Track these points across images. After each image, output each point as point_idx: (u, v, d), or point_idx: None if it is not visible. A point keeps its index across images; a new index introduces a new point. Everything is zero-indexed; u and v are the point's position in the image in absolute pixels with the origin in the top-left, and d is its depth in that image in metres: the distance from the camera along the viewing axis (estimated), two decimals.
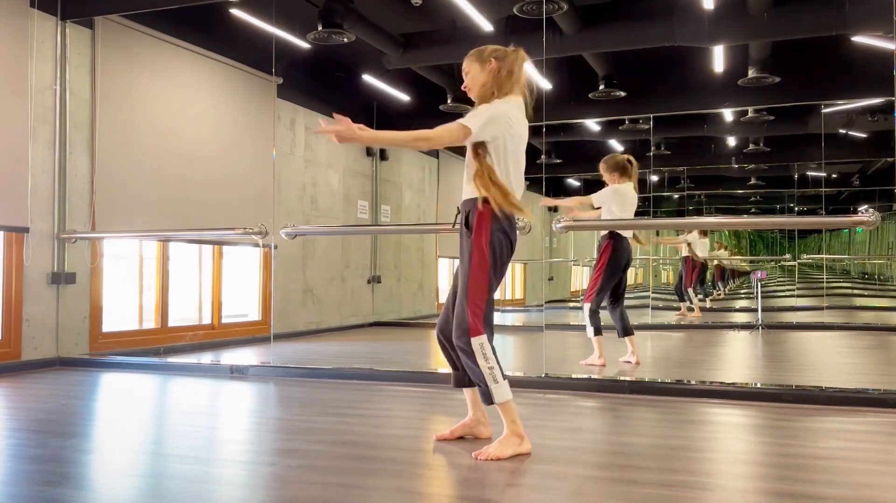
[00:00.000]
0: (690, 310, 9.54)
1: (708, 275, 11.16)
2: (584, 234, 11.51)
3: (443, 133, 2.69)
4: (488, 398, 2.72)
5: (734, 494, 2.31)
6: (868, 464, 2.68)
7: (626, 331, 5.37)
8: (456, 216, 2.87)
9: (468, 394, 3.01)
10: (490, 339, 2.73)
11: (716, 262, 11.53)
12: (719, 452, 2.91)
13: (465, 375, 2.90)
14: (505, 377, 2.73)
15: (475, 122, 2.70)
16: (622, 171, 5.31)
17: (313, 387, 4.40)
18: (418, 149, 2.77)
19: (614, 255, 5.28)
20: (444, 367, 5.54)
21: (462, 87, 2.93)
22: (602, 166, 5.38)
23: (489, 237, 2.72)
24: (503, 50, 2.87)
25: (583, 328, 5.42)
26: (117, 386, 4.67)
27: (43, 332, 5.35)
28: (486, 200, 2.73)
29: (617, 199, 5.29)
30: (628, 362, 5.35)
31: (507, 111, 2.78)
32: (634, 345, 5.39)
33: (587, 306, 5.30)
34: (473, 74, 2.87)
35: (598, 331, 5.26)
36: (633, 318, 5.63)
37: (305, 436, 3.07)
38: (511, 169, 2.79)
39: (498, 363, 2.72)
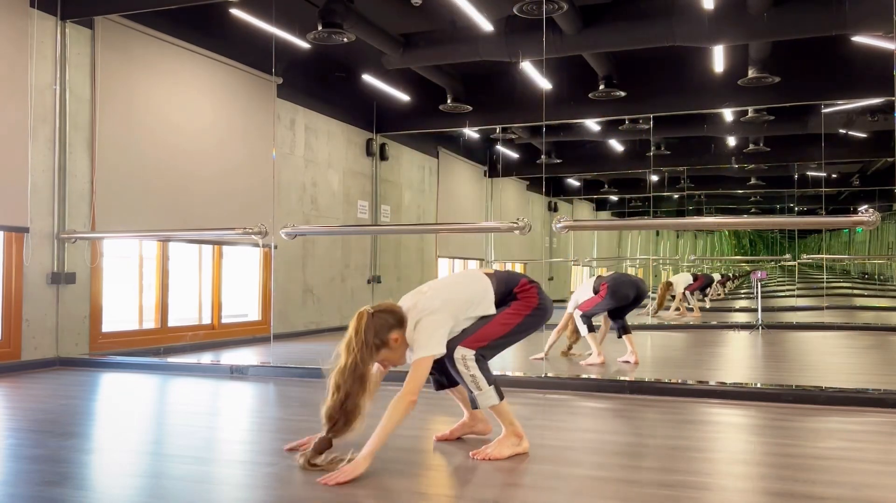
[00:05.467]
0: (689, 310, 9.55)
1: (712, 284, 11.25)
2: (585, 234, 11.53)
3: (417, 379, 2.59)
4: (473, 403, 2.74)
5: (734, 494, 2.31)
6: (868, 464, 2.68)
7: (624, 330, 5.50)
8: None
9: (455, 395, 3.01)
10: (478, 356, 2.70)
11: (718, 276, 11.62)
12: (719, 452, 2.91)
13: (442, 377, 2.91)
14: (493, 383, 2.70)
15: (429, 344, 2.62)
16: None
17: (313, 387, 4.39)
18: (412, 407, 2.64)
19: (613, 290, 5.47)
20: None
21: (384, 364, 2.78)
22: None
23: (532, 310, 2.83)
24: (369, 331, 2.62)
25: (597, 328, 5.56)
26: (117, 386, 4.67)
27: (43, 332, 5.35)
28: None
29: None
30: (627, 362, 5.37)
31: (440, 313, 2.68)
32: (633, 345, 5.43)
33: (579, 312, 5.48)
34: (390, 359, 2.71)
35: (591, 329, 5.44)
36: (634, 319, 5.68)
37: (305, 437, 3.06)
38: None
39: (483, 372, 2.69)
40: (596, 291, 5.49)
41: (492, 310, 2.80)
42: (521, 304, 2.82)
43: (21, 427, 3.33)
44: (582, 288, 5.70)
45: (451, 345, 2.69)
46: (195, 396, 4.36)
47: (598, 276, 5.64)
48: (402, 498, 2.25)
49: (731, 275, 12.33)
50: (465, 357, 2.69)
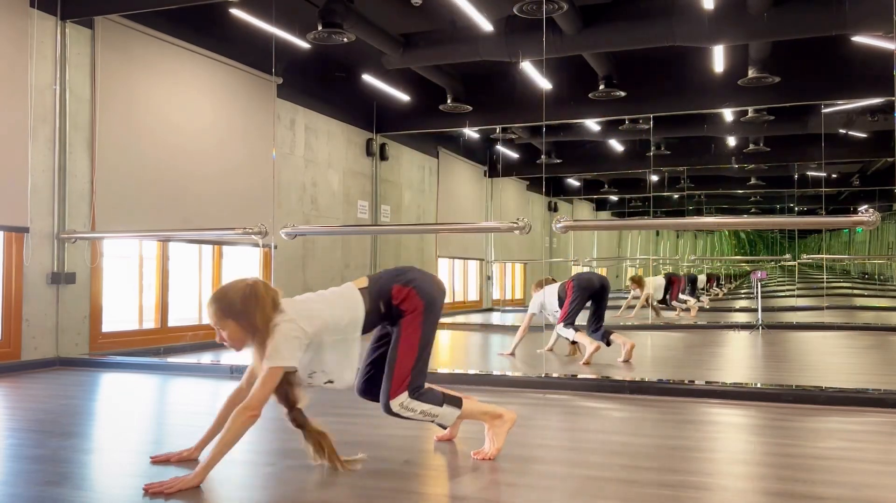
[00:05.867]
0: (686, 310, 9.56)
1: (699, 282, 11.24)
2: (584, 234, 11.53)
3: (265, 392, 2.38)
4: (442, 426, 2.72)
5: (734, 494, 2.30)
6: (868, 464, 2.68)
7: (607, 334, 5.61)
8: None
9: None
10: (411, 392, 2.57)
11: (703, 274, 11.62)
12: (719, 452, 2.91)
13: (364, 384, 2.80)
14: (442, 401, 2.61)
15: (281, 354, 2.38)
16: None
17: (313, 386, 4.39)
18: (253, 422, 2.43)
19: (577, 283, 5.70)
20: (443, 367, 5.54)
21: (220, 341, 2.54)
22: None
23: (423, 314, 2.61)
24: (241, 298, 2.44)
25: (581, 327, 5.61)
26: (117, 386, 4.67)
27: (43, 332, 5.35)
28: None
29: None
30: (626, 361, 5.39)
31: (295, 324, 2.43)
32: (621, 338, 5.55)
33: (560, 325, 5.62)
34: (231, 332, 2.47)
35: (575, 331, 5.55)
36: (634, 319, 5.72)
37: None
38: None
39: (427, 401, 2.59)
40: (564, 295, 5.67)
41: (357, 332, 2.54)
42: (410, 317, 2.59)
43: (21, 427, 3.33)
44: (546, 293, 5.85)
45: (383, 401, 2.57)
46: (195, 396, 4.36)
47: (561, 284, 5.83)
48: (403, 498, 2.25)
49: (719, 275, 12.24)
50: (403, 404, 2.55)
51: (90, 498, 2.29)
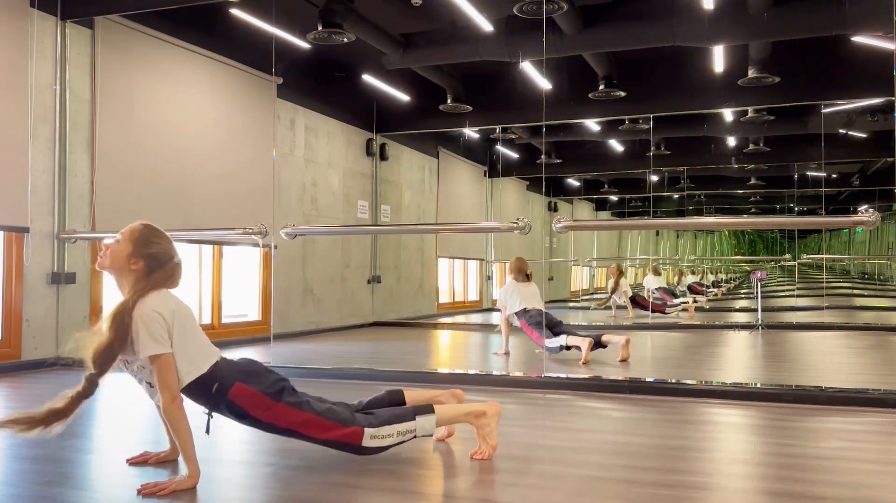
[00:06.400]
0: (684, 310, 9.56)
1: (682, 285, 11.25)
2: (585, 234, 11.53)
3: (168, 379, 2.32)
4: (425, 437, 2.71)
5: (734, 494, 2.30)
6: (868, 464, 2.68)
7: (598, 337, 5.54)
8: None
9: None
10: (368, 427, 2.50)
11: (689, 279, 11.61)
12: (719, 452, 2.91)
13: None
14: (413, 415, 2.57)
15: (151, 339, 2.31)
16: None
17: (313, 387, 4.38)
18: (182, 406, 2.36)
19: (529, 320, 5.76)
20: (444, 367, 5.54)
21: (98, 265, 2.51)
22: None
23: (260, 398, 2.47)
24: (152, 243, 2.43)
25: (581, 328, 5.55)
26: (117, 386, 4.67)
27: (43, 332, 5.35)
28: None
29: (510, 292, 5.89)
30: (624, 360, 5.39)
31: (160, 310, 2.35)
32: (614, 337, 5.54)
33: (544, 346, 5.60)
34: (117, 252, 2.43)
35: (566, 347, 5.50)
36: (632, 318, 5.70)
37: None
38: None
39: (397, 421, 2.54)
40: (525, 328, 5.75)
41: (202, 369, 2.41)
42: (253, 410, 2.43)
43: None
44: (512, 298, 5.83)
45: (355, 454, 2.53)
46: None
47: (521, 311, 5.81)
48: (401, 498, 2.25)
49: (704, 283, 12.11)
50: (372, 436, 2.48)
51: (90, 498, 2.29)
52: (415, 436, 2.59)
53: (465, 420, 2.71)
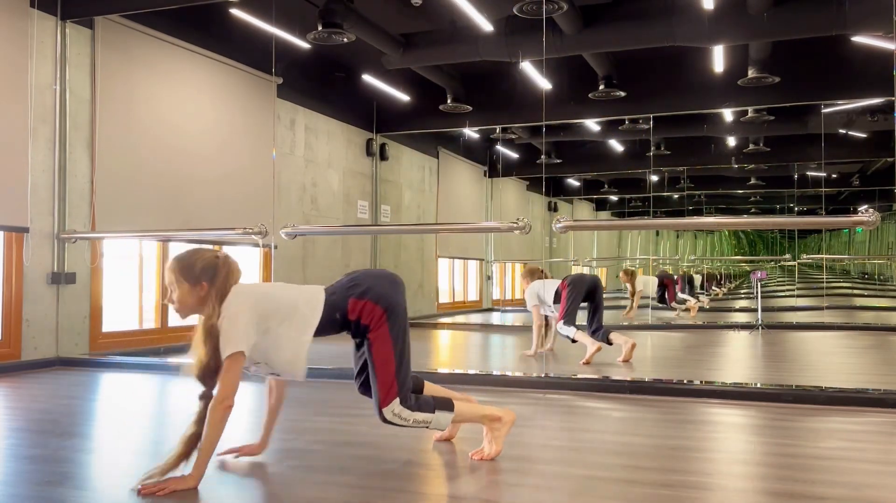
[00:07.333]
0: (686, 310, 9.56)
1: (696, 282, 11.27)
2: (584, 234, 11.53)
3: (231, 381, 2.36)
4: (437, 431, 2.73)
5: (734, 494, 2.31)
6: (868, 464, 2.68)
7: (607, 333, 5.60)
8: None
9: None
10: (402, 400, 2.53)
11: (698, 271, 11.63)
12: (719, 452, 2.91)
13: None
14: (433, 407, 2.58)
15: (233, 336, 2.37)
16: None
17: (313, 387, 4.39)
18: (229, 412, 2.38)
19: (572, 283, 5.71)
20: (444, 367, 5.54)
21: (167, 302, 2.56)
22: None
23: (387, 322, 2.53)
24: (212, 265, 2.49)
25: (581, 327, 5.61)
26: (117, 386, 4.67)
27: (43, 332, 5.35)
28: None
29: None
30: (626, 360, 5.39)
31: (242, 304, 2.44)
32: (621, 337, 5.54)
33: (560, 324, 5.60)
34: (181, 294, 2.46)
35: (577, 329, 5.53)
36: (633, 318, 5.71)
37: (305, 436, 3.07)
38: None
39: (419, 408, 2.56)
40: (559, 295, 5.66)
41: (309, 333, 2.48)
42: (375, 331, 2.50)
43: (21, 427, 3.33)
44: (548, 286, 5.80)
45: (375, 411, 2.53)
46: (195, 396, 4.35)
47: (556, 284, 5.80)
48: (403, 497, 2.25)
49: (717, 274, 12.20)
50: (395, 412, 2.51)
51: (90, 498, 2.29)
52: (426, 428, 2.61)
53: (480, 421, 2.71)
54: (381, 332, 2.50)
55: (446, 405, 2.63)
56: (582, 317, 5.71)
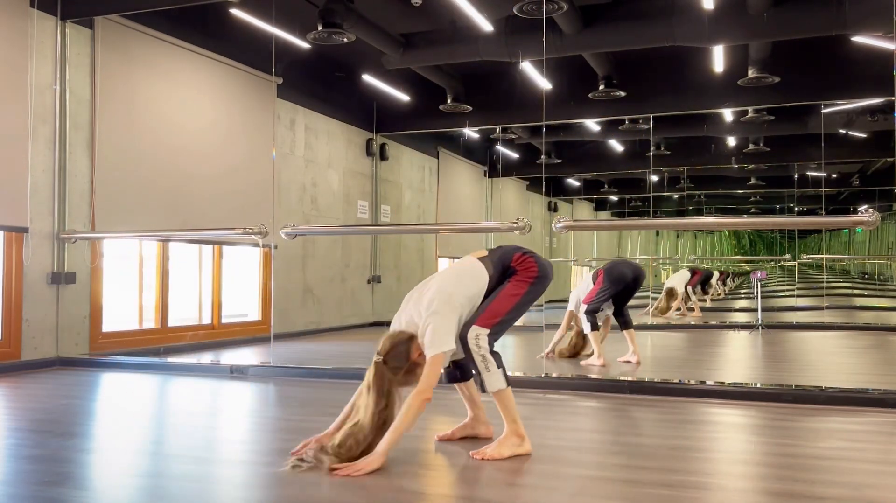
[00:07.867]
0: (690, 309, 9.55)
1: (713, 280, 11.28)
2: (584, 234, 11.52)
3: (432, 376, 2.62)
4: (482, 386, 2.76)
5: (734, 494, 2.31)
6: (868, 464, 2.68)
7: (626, 325, 5.53)
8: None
9: (462, 391, 3.01)
10: (490, 338, 2.74)
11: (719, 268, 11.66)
12: (719, 452, 2.91)
13: (456, 370, 2.96)
14: (501, 367, 2.74)
15: (440, 341, 2.65)
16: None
17: (313, 387, 4.40)
18: (424, 407, 2.65)
19: (609, 272, 5.56)
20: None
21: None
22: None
23: (534, 279, 2.86)
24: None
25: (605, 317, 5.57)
26: (117, 386, 4.67)
27: (43, 332, 5.35)
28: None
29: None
30: (628, 361, 5.37)
31: (445, 312, 2.72)
32: (635, 344, 5.45)
33: (584, 306, 5.46)
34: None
35: (594, 327, 5.39)
36: (633, 318, 5.69)
37: (305, 436, 3.07)
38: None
39: (493, 356, 2.73)
40: (594, 282, 5.53)
41: (480, 299, 2.82)
42: (521, 276, 2.84)
43: (21, 427, 3.33)
44: (582, 285, 5.73)
45: (465, 327, 2.74)
46: (195, 396, 4.36)
47: (594, 271, 5.68)
48: (403, 498, 2.25)
49: (729, 271, 12.33)
50: (478, 336, 2.71)
51: (90, 498, 2.29)
52: (482, 373, 2.71)
53: (510, 422, 2.75)
54: (523, 281, 2.84)
55: (508, 378, 2.77)
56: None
